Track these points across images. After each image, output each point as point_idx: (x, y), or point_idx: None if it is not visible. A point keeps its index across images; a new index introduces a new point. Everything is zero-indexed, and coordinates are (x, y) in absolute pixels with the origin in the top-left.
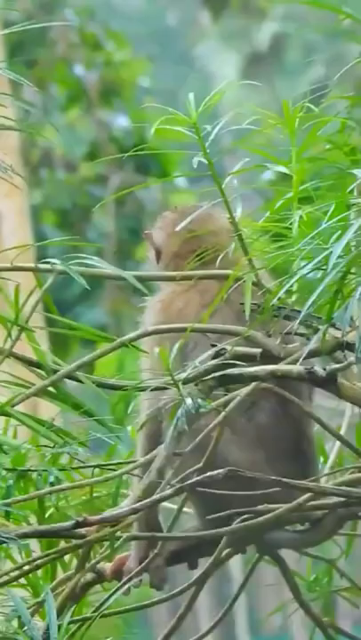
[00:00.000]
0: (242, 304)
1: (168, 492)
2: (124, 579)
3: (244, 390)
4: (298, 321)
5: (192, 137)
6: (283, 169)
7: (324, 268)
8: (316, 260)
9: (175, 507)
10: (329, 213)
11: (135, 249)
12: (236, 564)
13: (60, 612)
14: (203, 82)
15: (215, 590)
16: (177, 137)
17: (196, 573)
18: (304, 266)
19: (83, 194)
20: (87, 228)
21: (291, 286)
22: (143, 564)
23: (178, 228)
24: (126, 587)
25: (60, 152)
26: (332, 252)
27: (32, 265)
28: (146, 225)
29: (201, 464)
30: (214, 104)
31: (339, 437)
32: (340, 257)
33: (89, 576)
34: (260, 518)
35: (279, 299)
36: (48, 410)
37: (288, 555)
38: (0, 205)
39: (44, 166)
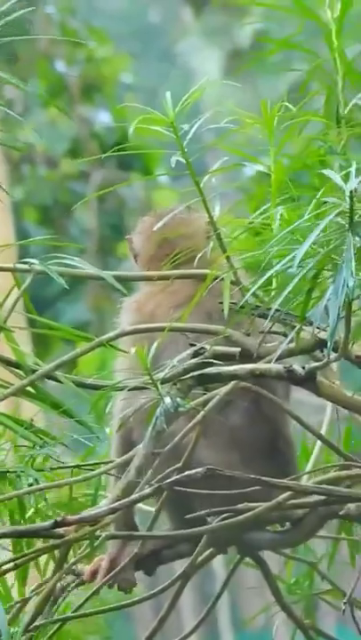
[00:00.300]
0: (221, 303)
1: (147, 491)
2: (99, 580)
3: (223, 389)
4: (273, 319)
5: (170, 136)
6: (261, 168)
7: (301, 265)
8: (286, 259)
9: (151, 509)
10: (307, 212)
11: (117, 246)
12: (218, 562)
13: (40, 613)
14: (185, 78)
15: (198, 588)
16: (158, 134)
17: (178, 572)
18: (278, 264)
19: (64, 190)
20: (69, 224)
21: (269, 285)
22: (117, 569)
23: (152, 231)
24: (100, 587)
25: (42, 148)
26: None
27: (10, 265)
28: (128, 221)
29: (180, 464)
30: (194, 102)
31: (319, 436)
32: (311, 255)
33: (69, 578)
34: (240, 517)
35: (257, 297)
36: (31, 410)
37: (270, 557)
38: None
39: (26, 162)
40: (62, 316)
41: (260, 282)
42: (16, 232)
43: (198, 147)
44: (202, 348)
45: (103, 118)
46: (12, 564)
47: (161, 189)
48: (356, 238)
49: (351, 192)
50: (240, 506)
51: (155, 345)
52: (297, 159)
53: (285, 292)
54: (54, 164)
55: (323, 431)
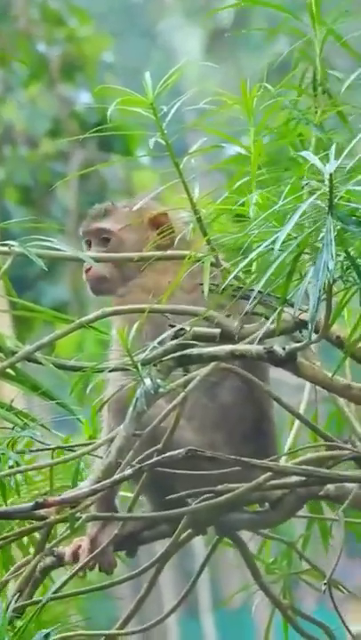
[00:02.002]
0: (201, 284)
1: (127, 472)
2: (81, 561)
3: (204, 370)
4: (254, 301)
5: (151, 117)
6: (239, 149)
7: (282, 249)
8: (268, 242)
9: (130, 494)
10: (285, 195)
11: None
12: (199, 542)
13: (21, 594)
14: (166, 57)
15: (178, 567)
16: (139, 115)
17: (158, 553)
18: (258, 247)
19: (45, 170)
20: (50, 204)
21: (249, 267)
22: (97, 550)
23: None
24: (82, 569)
25: (22, 128)
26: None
27: None
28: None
29: (161, 445)
30: (175, 81)
31: (299, 417)
32: (292, 237)
33: (48, 560)
34: (220, 498)
35: (238, 279)
36: (10, 392)
37: (248, 537)
38: None
39: (6, 143)
40: (43, 297)
41: (243, 264)
42: None
43: (179, 127)
44: (182, 329)
45: (84, 98)
46: None
47: (141, 170)
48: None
49: (331, 175)
50: (220, 487)
51: (135, 325)
52: (276, 138)
53: (267, 274)
54: (35, 143)
55: (301, 411)
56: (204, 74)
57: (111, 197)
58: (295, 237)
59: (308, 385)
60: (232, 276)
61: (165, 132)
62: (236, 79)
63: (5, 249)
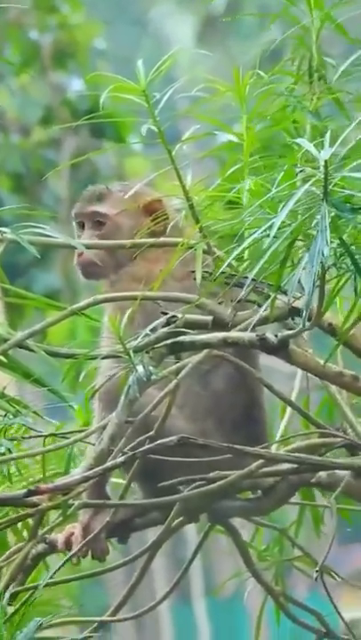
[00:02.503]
0: (193, 272)
1: (119, 459)
2: (72, 549)
3: (196, 358)
4: (248, 288)
5: (143, 104)
6: (231, 136)
7: (275, 236)
8: (262, 228)
9: (122, 481)
10: (277, 181)
11: None
12: (191, 529)
13: (14, 581)
14: (158, 45)
15: (170, 554)
16: (131, 102)
17: (150, 540)
18: (251, 234)
19: (36, 158)
20: (42, 191)
21: (241, 254)
22: (89, 537)
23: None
24: (74, 556)
25: (14, 116)
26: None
27: None
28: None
29: (153, 432)
30: (166, 69)
31: (290, 404)
32: (286, 225)
33: (40, 547)
34: (213, 485)
35: (230, 267)
36: (3, 380)
37: (240, 524)
38: None
39: None
40: (35, 284)
41: (237, 251)
42: None
43: (171, 114)
44: (174, 316)
45: (76, 85)
46: None
47: (133, 157)
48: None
49: (326, 161)
50: (212, 474)
51: (128, 312)
52: (270, 125)
53: (261, 262)
54: (27, 131)
55: (293, 399)
56: (196, 61)
57: (103, 184)
58: (289, 224)
59: (299, 372)
60: (226, 264)
61: (158, 119)
62: (227, 67)
63: None
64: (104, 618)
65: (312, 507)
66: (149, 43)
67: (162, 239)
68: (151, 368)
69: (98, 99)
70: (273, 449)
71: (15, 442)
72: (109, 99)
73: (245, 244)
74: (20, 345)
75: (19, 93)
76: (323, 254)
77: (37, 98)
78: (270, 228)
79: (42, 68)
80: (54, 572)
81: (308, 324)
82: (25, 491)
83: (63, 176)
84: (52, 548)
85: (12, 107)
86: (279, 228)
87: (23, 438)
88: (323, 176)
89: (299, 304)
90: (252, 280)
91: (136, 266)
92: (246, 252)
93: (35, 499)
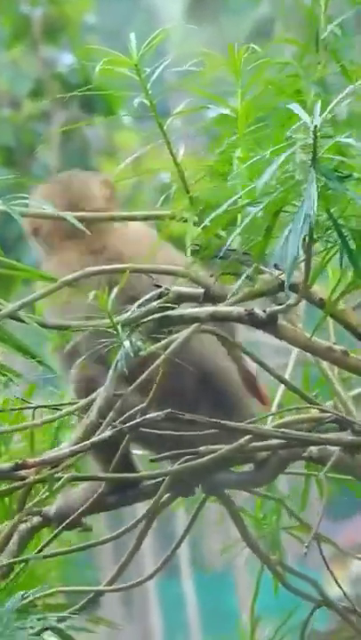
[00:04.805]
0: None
1: (107, 433)
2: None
3: (184, 332)
4: (233, 259)
5: (134, 78)
6: (225, 110)
7: (260, 201)
8: (245, 190)
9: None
10: (269, 151)
11: None
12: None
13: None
14: (148, 19)
15: (159, 529)
16: (121, 76)
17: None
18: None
19: (27, 131)
20: (32, 165)
21: (233, 224)
22: (84, 506)
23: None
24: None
25: (4, 89)
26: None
27: None
28: (91, 162)
29: (145, 404)
30: (157, 44)
31: (279, 377)
32: (269, 193)
33: (35, 520)
34: (205, 458)
35: (219, 237)
36: None
37: (237, 494)
38: None
39: None
40: (25, 258)
41: (214, 215)
42: None
43: (162, 89)
44: (166, 289)
45: (66, 60)
46: None
47: (123, 130)
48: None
49: (315, 126)
50: (202, 448)
51: (116, 289)
52: (271, 94)
53: (242, 226)
54: (17, 104)
55: (287, 374)
56: (187, 36)
57: (93, 157)
58: (272, 193)
59: (295, 348)
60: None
61: (150, 92)
62: (218, 42)
63: None
64: (93, 587)
65: (305, 476)
66: (140, 17)
67: (153, 211)
68: (139, 343)
69: (88, 73)
70: (269, 422)
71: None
72: (100, 73)
73: (224, 206)
74: (12, 316)
75: (9, 67)
76: (309, 220)
77: (28, 71)
78: (252, 192)
79: (32, 41)
80: (44, 545)
81: (295, 297)
82: (12, 464)
83: (53, 149)
84: (45, 520)
85: (2, 80)
86: (266, 193)
87: (12, 410)
88: (312, 141)
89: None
90: (236, 251)
91: (48, 262)
92: (237, 223)
93: (22, 472)
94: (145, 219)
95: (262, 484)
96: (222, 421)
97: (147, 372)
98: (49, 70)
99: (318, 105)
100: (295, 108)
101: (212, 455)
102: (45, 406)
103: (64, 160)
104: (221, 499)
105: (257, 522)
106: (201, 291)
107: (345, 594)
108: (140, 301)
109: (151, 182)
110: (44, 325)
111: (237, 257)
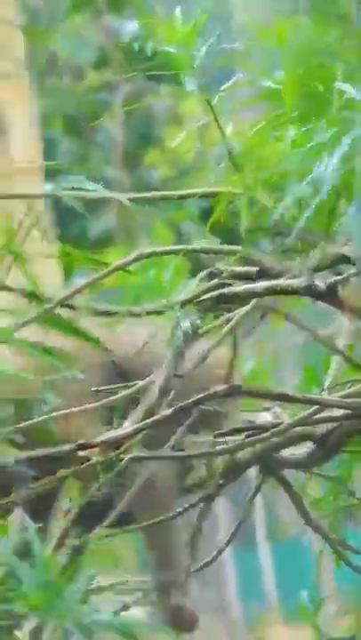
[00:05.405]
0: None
1: (168, 411)
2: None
3: (243, 309)
4: (295, 237)
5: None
6: (271, 83)
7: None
8: (310, 177)
9: None
10: (319, 129)
11: (145, 154)
12: (251, 472)
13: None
14: None
15: (233, 498)
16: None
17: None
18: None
19: (91, 101)
20: (96, 133)
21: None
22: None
23: None
24: None
25: (68, 59)
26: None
27: (26, 193)
28: (155, 131)
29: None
30: (218, 12)
31: (335, 349)
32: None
33: None
34: (265, 434)
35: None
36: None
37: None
38: (9, 110)
39: (51, 74)
40: (89, 229)
41: (288, 199)
42: (44, 142)
43: (220, 58)
44: (217, 268)
45: (130, 29)
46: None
47: (189, 99)
48: None
49: None
50: (258, 422)
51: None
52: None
53: (308, 213)
54: (81, 74)
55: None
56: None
57: (158, 126)
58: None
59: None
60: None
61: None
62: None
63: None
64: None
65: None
66: None
67: (209, 189)
68: (198, 321)
69: (151, 42)
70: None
71: None
72: (164, 42)
73: (290, 194)
74: (64, 304)
75: (72, 36)
76: None
77: (91, 41)
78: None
79: (96, 10)
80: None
81: (354, 269)
82: (74, 445)
83: (118, 119)
84: None
85: (65, 50)
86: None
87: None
88: None
89: (347, 251)
90: (296, 228)
91: None
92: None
93: (84, 453)
94: (204, 196)
95: (324, 461)
96: (286, 393)
97: (203, 353)
98: (113, 40)
99: None
100: (345, 87)
101: (273, 430)
102: (100, 390)
103: (128, 130)
104: (279, 480)
105: (315, 502)
106: (255, 268)
107: None
108: (197, 279)
109: (215, 151)
110: (95, 312)
111: (299, 234)
